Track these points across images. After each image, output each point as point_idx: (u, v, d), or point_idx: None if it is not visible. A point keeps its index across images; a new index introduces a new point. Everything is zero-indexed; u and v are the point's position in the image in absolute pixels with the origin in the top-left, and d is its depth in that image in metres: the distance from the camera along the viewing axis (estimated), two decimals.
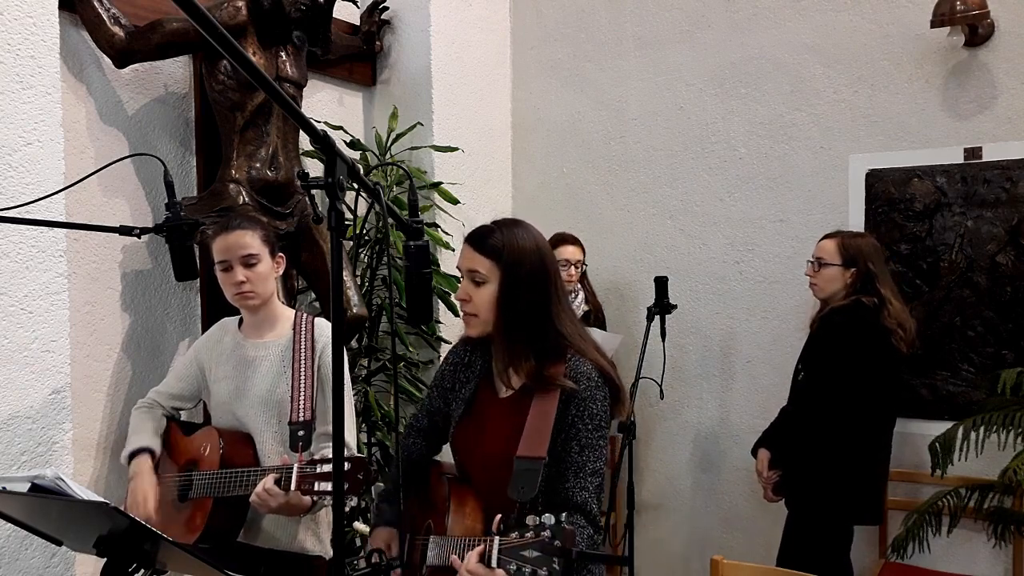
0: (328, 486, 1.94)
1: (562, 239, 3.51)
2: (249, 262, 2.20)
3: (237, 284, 2.20)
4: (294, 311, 2.35)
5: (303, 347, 2.23)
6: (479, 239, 1.78)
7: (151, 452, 2.28)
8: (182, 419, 2.46)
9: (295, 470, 1.97)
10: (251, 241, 2.21)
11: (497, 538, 1.46)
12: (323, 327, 2.29)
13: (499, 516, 1.54)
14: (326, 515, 2.27)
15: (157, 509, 2.19)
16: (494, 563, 1.45)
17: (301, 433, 2.13)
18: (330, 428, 2.19)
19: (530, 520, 1.42)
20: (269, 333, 2.30)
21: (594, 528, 1.69)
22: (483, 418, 1.84)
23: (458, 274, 3.45)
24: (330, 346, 2.11)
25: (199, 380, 2.38)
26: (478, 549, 1.52)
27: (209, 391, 2.35)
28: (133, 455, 2.27)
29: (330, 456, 2.01)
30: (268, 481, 2.00)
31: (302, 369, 2.20)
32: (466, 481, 1.87)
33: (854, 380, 2.77)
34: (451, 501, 1.81)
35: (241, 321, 2.36)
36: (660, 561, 3.87)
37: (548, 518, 1.40)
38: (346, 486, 1.79)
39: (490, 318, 1.77)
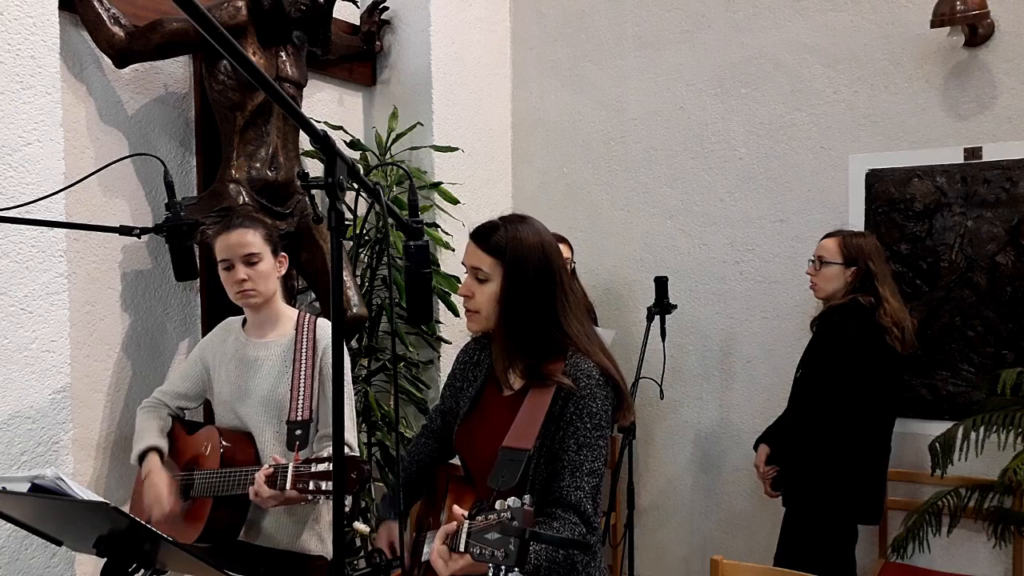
0: (323, 485, 1.94)
1: None
2: (251, 261, 2.21)
3: (239, 283, 2.20)
4: (297, 311, 2.35)
5: (304, 347, 2.24)
6: (483, 236, 1.77)
7: (159, 451, 2.28)
8: (185, 418, 2.47)
9: (290, 469, 1.97)
10: (253, 240, 2.22)
11: (467, 522, 1.46)
12: (325, 327, 2.29)
13: (473, 502, 1.54)
14: (328, 516, 2.27)
15: (172, 506, 2.19)
16: (462, 547, 1.45)
17: (299, 432, 2.13)
18: (331, 430, 2.21)
19: (498, 504, 1.42)
20: (272, 332, 2.31)
21: (587, 528, 1.66)
22: (486, 416, 1.83)
23: (458, 274, 3.46)
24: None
25: (204, 380, 2.39)
26: (447, 531, 1.51)
27: (213, 391, 2.35)
28: (143, 455, 2.27)
29: (328, 456, 2.02)
30: (260, 481, 2.00)
31: (302, 369, 2.21)
32: (468, 480, 1.86)
33: (849, 378, 2.78)
34: (448, 498, 1.81)
35: (245, 321, 2.37)
36: (660, 561, 3.87)
37: (514, 501, 1.39)
38: None
39: (492, 315, 1.76)
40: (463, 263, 1.82)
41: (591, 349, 1.76)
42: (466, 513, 1.49)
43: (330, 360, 2.18)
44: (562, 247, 3.44)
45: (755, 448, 3.14)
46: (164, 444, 2.31)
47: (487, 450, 1.77)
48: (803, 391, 2.93)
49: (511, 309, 1.74)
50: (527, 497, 1.40)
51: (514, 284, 1.73)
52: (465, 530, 1.45)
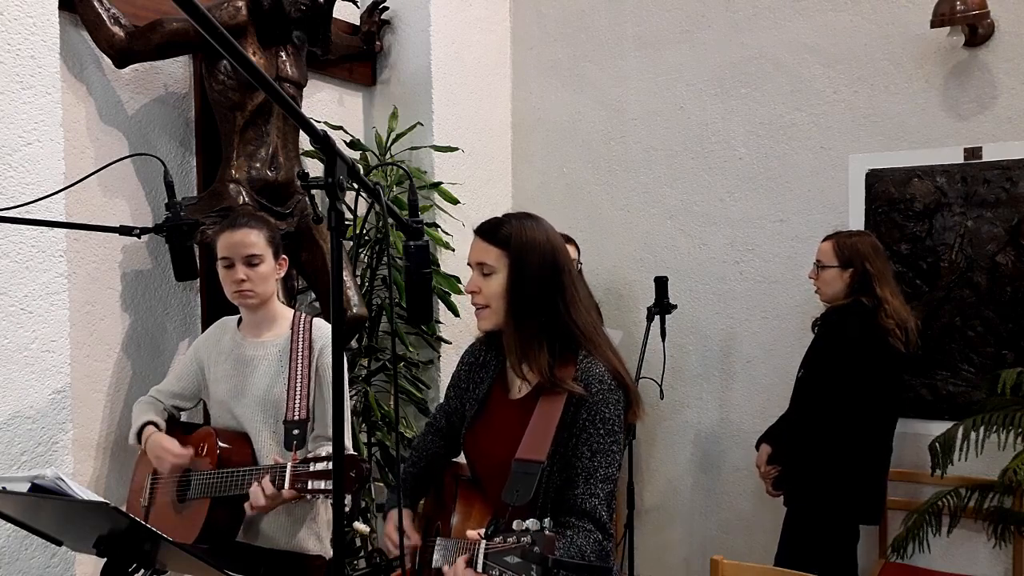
0: (321, 484, 1.95)
1: None
2: (252, 261, 2.20)
3: (237, 282, 2.20)
4: (293, 311, 2.35)
5: (300, 347, 2.24)
6: (488, 230, 1.77)
7: (156, 424, 2.29)
8: (182, 419, 2.46)
9: (288, 469, 1.97)
10: (256, 240, 2.21)
11: (483, 542, 1.45)
12: (321, 328, 2.29)
13: (489, 520, 1.54)
14: (326, 515, 2.27)
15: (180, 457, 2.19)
16: (479, 567, 1.44)
17: (296, 432, 2.13)
18: (327, 431, 2.21)
19: (516, 525, 1.41)
20: (267, 333, 2.30)
21: (603, 534, 1.65)
22: (494, 420, 1.82)
23: (458, 274, 3.45)
24: (329, 347, 2.12)
25: (199, 379, 2.38)
26: (466, 554, 1.51)
27: (208, 390, 2.35)
28: (140, 431, 2.28)
29: (325, 455, 2.02)
30: (264, 482, 2.00)
31: (299, 368, 2.21)
32: (477, 483, 1.86)
33: (851, 379, 2.77)
34: (458, 503, 1.80)
35: (240, 320, 2.36)
36: (660, 561, 3.87)
37: (533, 523, 1.39)
38: None
39: (501, 310, 1.75)
40: (469, 263, 1.81)
41: (600, 344, 1.76)
42: (482, 532, 1.48)
43: (326, 360, 2.20)
44: (569, 248, 3.46)
45: (757, 448, 3.14)
46: (162, 422, 2.31)
47: (495, 455, 1.76)
48: (805, 391, 2.93)
49: (518, 299, 1.73)
50: (547, 521, 1.40)
51: (520, 273, 1.72)
52: (482, 550, 1.44)
